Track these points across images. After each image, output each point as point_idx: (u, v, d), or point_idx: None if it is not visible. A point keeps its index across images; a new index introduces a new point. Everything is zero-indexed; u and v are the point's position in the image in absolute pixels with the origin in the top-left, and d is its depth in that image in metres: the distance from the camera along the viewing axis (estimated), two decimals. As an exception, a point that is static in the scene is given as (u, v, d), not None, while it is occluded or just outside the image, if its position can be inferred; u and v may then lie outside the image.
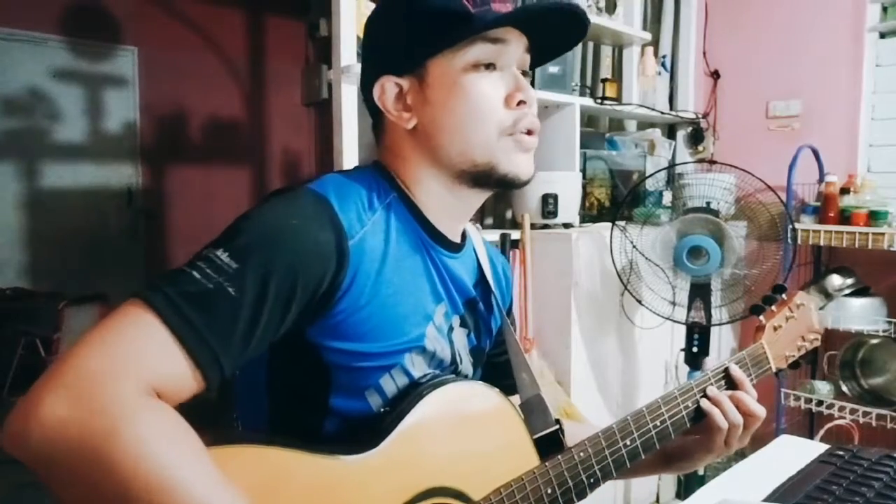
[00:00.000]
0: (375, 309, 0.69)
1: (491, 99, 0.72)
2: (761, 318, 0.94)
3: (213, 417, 0.57)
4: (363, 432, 0.68)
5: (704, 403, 0.83)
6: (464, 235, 0.84)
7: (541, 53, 0.79)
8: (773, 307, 0.95)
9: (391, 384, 0.72)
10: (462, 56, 0.72)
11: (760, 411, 0.84)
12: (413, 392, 0.71)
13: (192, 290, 0.58)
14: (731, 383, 0.86)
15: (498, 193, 2.43)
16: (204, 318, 0.57)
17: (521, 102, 0.73)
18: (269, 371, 0.72)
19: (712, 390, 0.84)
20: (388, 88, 0.75)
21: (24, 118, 4.12)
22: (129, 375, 0.54)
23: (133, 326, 0.56)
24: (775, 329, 0.94)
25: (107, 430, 0.50)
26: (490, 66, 0.73)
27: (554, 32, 0.76)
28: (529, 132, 0.75)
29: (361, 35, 1.76)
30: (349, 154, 1.76)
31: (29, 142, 4.14)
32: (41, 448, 0.51)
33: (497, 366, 0.89)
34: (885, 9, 2.53)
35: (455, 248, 0.81)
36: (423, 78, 0.74)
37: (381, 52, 0.78)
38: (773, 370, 0.93)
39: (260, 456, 0.61)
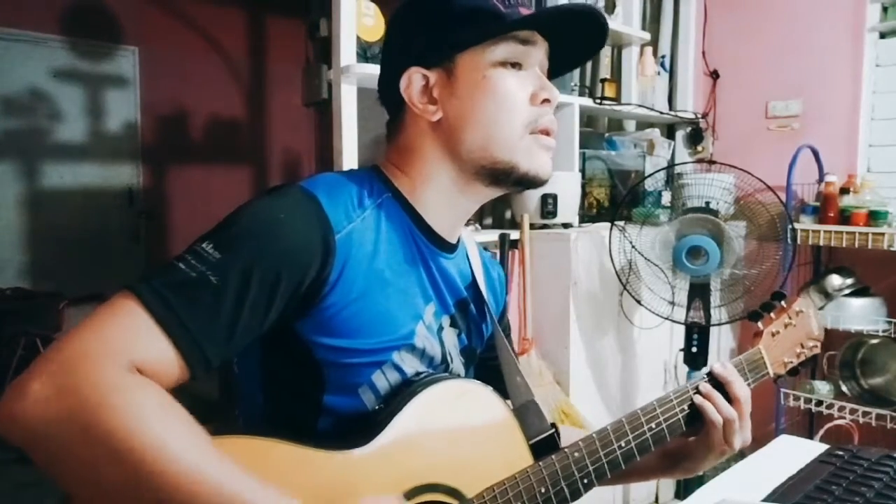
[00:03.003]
0: (365, 305, 0.70)
1: (517, 95, 0.75)
2: (759, 324, 0.94)
3: (216, 414, 0.57)
4: (357, 429, 0.69)
5: (697, 399, 0.83)
6: (458, 238, 0.84)
7: (559, 64, 0.81)
8: (772, 314, 0.95)
9: (383, 381, 0.72)
10: (491, 53, 0.74)
11: (744, 394, 0.84)
12: (406, 389, 0.71)
13: (176, 280, 0.60)
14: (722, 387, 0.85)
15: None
16: (186, 305, 0.59)
17: (545, 101, 0.76)
18: (263, 370, 0.73)
19: (704, 386, 0.84)
20: (415, 80, 0.76)
21: (24, 118, 4.12)
22: (115, 356, 0.55)
23: (119, 315, 0.58)
24: (773, 335, 0.94)
25: (96, 402, 0.52)
26: (516, 66, 0.75)
27: (575, 39, 0.78)
28: (548, 133, 0.77)
29: (363, 35, 1.78)
30: (349, 154, 1.76)
31: (29, 142, 4.15)
32: (31, 426, 0.52)
33: (489, 370, 0.89)
34: (885, 9, 2.53)
35: (449, 248, 0.81)
36: (452, 71, 0.75)
37: (409, 45, 0.78)
38: (772, 375, 0.92)
39: (253, 447, 0.61)
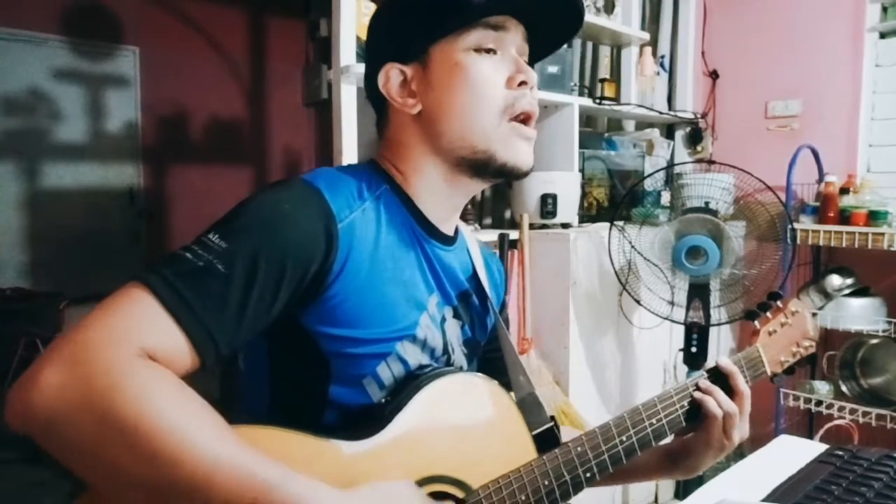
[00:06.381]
0: (368, 295, 0.71)
1: (492, 79, 0.74)
2: (756, 323, 0.95)
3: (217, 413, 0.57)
4: (363, 422, 0.69)
5: (697, 394, 0.84)
6: (456, 231, 0.85)
7: (539, 48, 0.81)
8: (769, 313, 0.96)
9: (387, 372, 0.73)
10: (463, 40, 0.74)
11: (745, 389, 0.85)
12: (412, 383, 0.72)
13: (184, 269, 0.60)
14: (725, 383, 0.86)
15: (497, 193, 2.45)
16: (195, 293, 0.59)
17: (522, 83, 0.75)
18: (271, 365, 0.74)
19: (704, 382, 0.85)
20: (392, 76, 0.77)
21: (24, 118, 4.12)
22: (126, 342, 0.55)
23: (129, 303, 0.58)
24: (770, 334, 0.94)
25: (108, 387, 0.52)
26: (491, 51, 0.75)
27: (549, 21, 0.78)
28: (527, 118, 0.76)
29: (362, 35, 1.78)
30: (349, 154, 1.76)
31: (29, 142, 4.15)
32: (42, 415, 0.52)
33: (491, 363, 0.90)
34: (885, 9, 2.53)
35: (447, 240, 0.82)
36: (427, 63, 0.76)
37: (385, 43, 0.80)
38: (769, 373, 0.93)
39: (263, 437, 0.61)
